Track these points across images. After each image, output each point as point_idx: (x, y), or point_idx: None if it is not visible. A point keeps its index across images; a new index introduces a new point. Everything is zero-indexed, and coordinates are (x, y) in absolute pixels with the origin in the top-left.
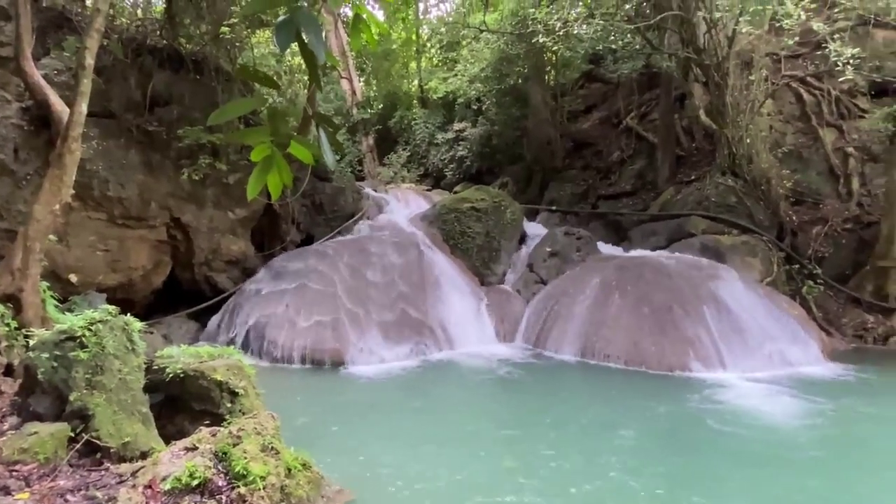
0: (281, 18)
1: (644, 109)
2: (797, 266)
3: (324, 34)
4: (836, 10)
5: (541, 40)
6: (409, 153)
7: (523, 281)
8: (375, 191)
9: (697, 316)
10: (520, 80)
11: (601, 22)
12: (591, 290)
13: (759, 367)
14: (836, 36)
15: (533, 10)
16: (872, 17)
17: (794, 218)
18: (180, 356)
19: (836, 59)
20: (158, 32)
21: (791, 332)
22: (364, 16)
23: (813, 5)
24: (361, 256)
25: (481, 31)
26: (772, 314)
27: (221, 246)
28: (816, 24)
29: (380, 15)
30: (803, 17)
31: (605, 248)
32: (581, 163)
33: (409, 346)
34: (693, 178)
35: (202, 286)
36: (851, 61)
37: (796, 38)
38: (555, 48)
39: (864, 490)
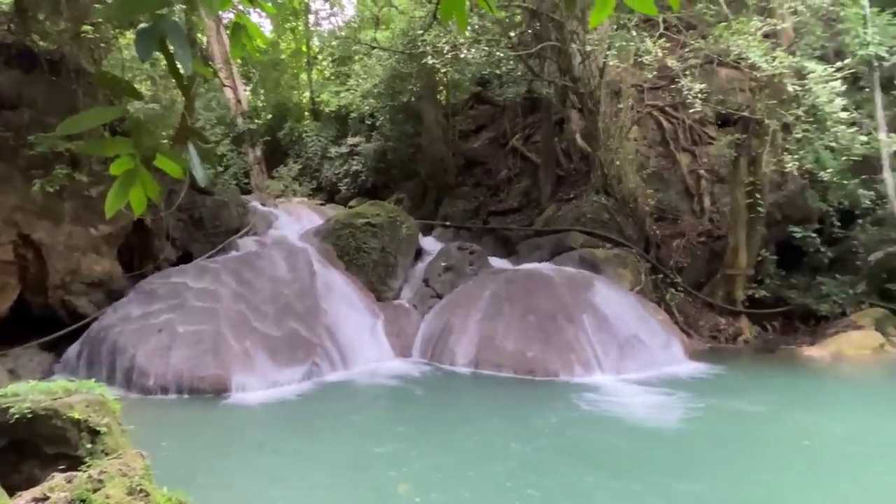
0: (142, 26)
1: (528, 132)
2: (661, 275)
3: (204, 40)
4: (687, 49)
5: (430, 61)
6: (300, 166)
7: (419, 296)
8: (264, 205)
9: (578, 323)
10: (413, 98)
11: (486, 48)
12: (483, 303)
13: (632, 368)
14: (687, 72)
15: (422, 32)
16: (716, 57)
17: (657, 232)
18: (29, 393)
19: (687, 92)
20: (7, 27)
21: (658, 335)
22: (245, 25)
23: (668, 44)
24: (247, 274)
25: (372, 49)
26: (641, 319)
27: (82, 266)
28: (671, 62)
29: (267, 23)
30: (660, 54)
31: (496, 262)
32: (473, 180)
33: (301, 369)
34: (572, 196)
35: (58, 312)
36: (700, 95)
37: (655, 73)
38: (444, 70)
39: (728, 476)
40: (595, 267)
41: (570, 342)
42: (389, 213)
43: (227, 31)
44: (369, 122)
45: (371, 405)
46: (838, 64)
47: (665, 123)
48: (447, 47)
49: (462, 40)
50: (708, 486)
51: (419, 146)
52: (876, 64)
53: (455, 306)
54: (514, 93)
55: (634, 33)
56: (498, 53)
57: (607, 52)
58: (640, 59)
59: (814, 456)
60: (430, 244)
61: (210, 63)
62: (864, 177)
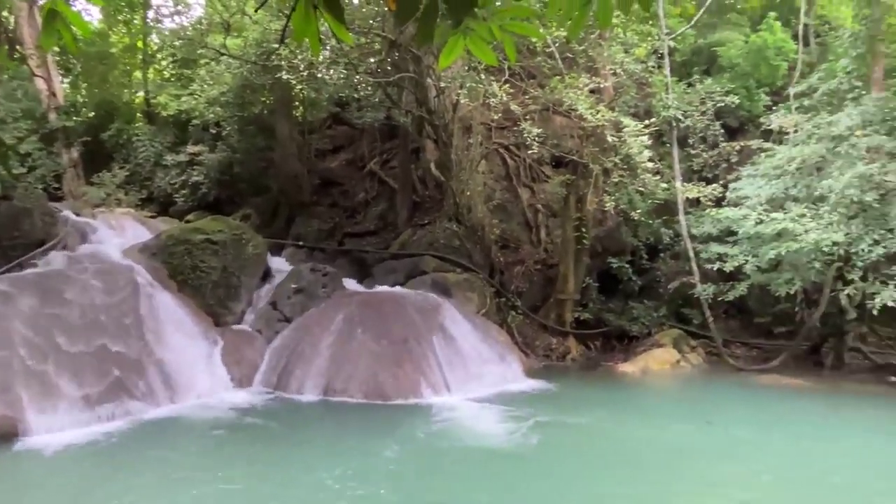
0: None
1: (386, 156)
2: (504, 299)
3: (11, 20)
4: (527, 96)
5: (285, 76)
6: (128, 173)
7: (265, 320)
8: (78, 214)
9: (428, 346)
10: (265, 111)
11: (345, 70)
12: (336, 327)
13: (477, 388)
14: (527, 117)
15: (277, 45)
16: (552, 105)
17: (501, 259)
18: None
19: (527, 135)
20: None
21: (500, 355)
22: (63, 12)
23: (512, 90)
24: (51, 295)
25: (221, 55)
26: (486, 341)
27: None
28: (514, 106)
29: (95, 12)
30: (505, 98)
31: (351, 285)
32: (329, 200)
33: (115, 405)
34: (427, 221)
35: None
36: (537, 138)
37: (501, 114)
38: (300, 87)
39: (562, 482)
40: (446, 290)
41: (421, 365)
42: (234, 230)
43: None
44: (214, 131)
45: (197, 444)
46: (647, 121)
47: (509, 160)
48: (303, 65)
49: (320, 59)
50: (547, 495)
51: (271, 161)
52: (675, 124)
53: (305, 331)
54: (373, 117)
55: (483, 76)
56: (356, 77)
57: (459, 91)
58: (487, 101)
59: (630, 457)
60: (280, 265)
61: (19, 48)
62: (665, 217)
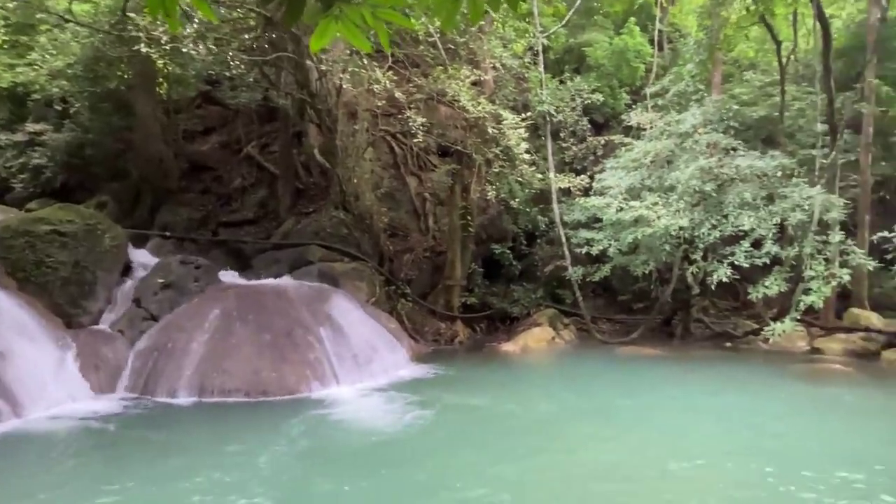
0: None
1: (265, 140)
2: (394, 287)
3: None
4: (411, 84)
5: (143, 49)
6: None
7: (128, 319)
8: None
9: (315, 338)
10: (122, 87)
11: (214, 46)
12: (211, 323)
13: (368, 377)
14: (412, 105)
15: (134, 14)
16: (436, 95)
17: (390, 247)
18: None
19: (412, 123)
20: None
21: (390, 343)
22: None
23: (395, 77)
24: None
25: (66, 21)
26: (375, 330)
27: None
28: (398, 94)
29: None
30: (388, 85)
31: (228, 277)
32: (200, 186)
33: None
34: (311, 209)
35: None
36: (422, 127)
37: (386, 101)
38: (161, 62)
39: (451, 461)
40: (334, 280)
41: (308, 358)
42: (87, 220)
43: None
44: (60, 108)
45: (44, 461)
46: (524, 115)
47: (396, 148)
48: (165, 37)
49: (185, 33)
50: (433, 473)
51: (130, 142)
52: (548, 118)
53: (175, 328)
54: (249, 98)
55: (366, 62)
56: (228, 54)
57: (342, 75)
58: (372, 87)
59: (510, 428)
60: (144, 258)
61: None
62: (541, 206)
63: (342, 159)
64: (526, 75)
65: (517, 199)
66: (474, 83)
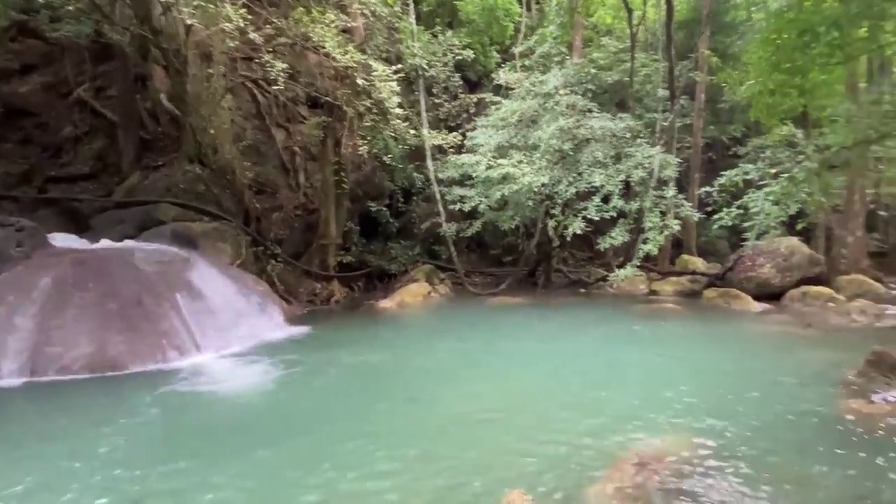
0: None
1: (101, 83)
2: (262, 248)
3: None
4: (269, 26)
5: None
6: None
7: None
8: None
9: (170, 305)
10: None
11: None
12: (42, 292)
13: (233, 343)
14: (275, 50)
15: None
16: (299, 40)
17: (257, 205)
18: None
19: (271, 69)
20: None
21: (258, 306)
22: None
23: (251, 17)
24: None
25: None
26: (241, 293)
27: None
28: (253, 35)
29: None
30: (242, 23)
31: (62, 241)
32: (19, 136)
33: None
34: (161, 163)
35: None
36: (283, 74)
37: (245, 44)
38: None
39: (326, 426)
40: (191, 242)
41: (162, 326)
42: None
43: None
44: None
45: None
46: (395, 67)
47: (260, 97)
48: None
49: None
50: (309, 441)
51: None
52: (421, 72)
53: None
54: (75, 31)
55: None
56: None
57: (191, 10)
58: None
59: (385, 382)
60: None
61: None
62: (417, 163)
63: (195, 107)
64: (397, 25)
65: (392, 156)
66: (343, 30)
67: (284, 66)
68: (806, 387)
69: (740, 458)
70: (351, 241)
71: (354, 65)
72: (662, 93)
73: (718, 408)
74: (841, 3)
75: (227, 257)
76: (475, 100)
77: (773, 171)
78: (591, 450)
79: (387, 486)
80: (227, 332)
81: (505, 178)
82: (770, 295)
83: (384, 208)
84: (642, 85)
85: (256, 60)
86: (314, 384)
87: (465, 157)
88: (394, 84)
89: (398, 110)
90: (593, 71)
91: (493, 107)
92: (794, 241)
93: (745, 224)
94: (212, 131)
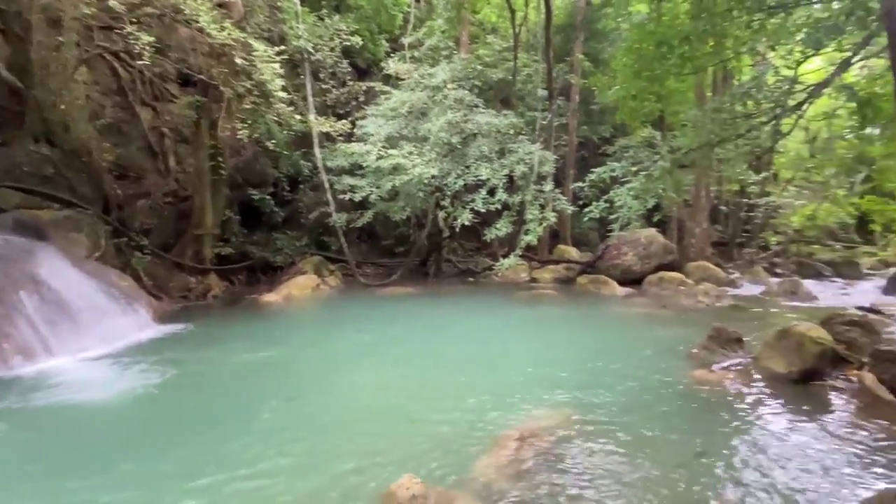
0: None
1: None
2: (126, 239)
3: None
4: None
5: None
6: None
7: None
8: None
9: (13, 304)
10: None
11: None
12: None
13: (93, 345)
14: (140, 20)
15: None
16: (169, 11)
17: (119, 192)
18: None
19: (135, 42)
20: None
21: (121, 304)
22: None
23: None
24: None
25: None
26: (101, 289)
27: None
28: (113, 2)
29: None
30: None
31: None
32: None
33: None
34: (0, 141)
35: None
36: (149, 47)
37: (94, 9)
38: None
39: (196, 434)
40: (39, 232)
41: (3, 328)
42: None
43: None
44: None
45: None
46: (278, 48)
47: (122, 72)
48: None
49: None
50: (186, 447)
51: None
52: (307, 56)
53: None
54: None
55: None
56: None
57: None
58: None
59: (269, 379)
60: None
61: None
62: (304, 150)
63: (41, 78)
64: (280, 5)
65: (276, 141)
66: (219, 4)
67: (151, 39)
68: (661, 360)
69: (606, 425)
70: (230, 231)
71: (232, 42)
72: (542, 93)
73: (589, 382)
74: (691, 20)
75: (83, 249)
76: (364, 88)
77: (634, 168)
78: (476, 429)
79: (274, 483)
80: (85, 332)
81: (396, 169)
82: (633, 280)
83: (268, 197)
84: (524, 84)
85: (117, 31)
86: (188, 386)
87: (355, 146)
88: (276, 66)
89: (282, 94)
90: (479, 67)
91: (384, 96)
92: (653, 231)
93: (612, 216)
94: (62, 107)
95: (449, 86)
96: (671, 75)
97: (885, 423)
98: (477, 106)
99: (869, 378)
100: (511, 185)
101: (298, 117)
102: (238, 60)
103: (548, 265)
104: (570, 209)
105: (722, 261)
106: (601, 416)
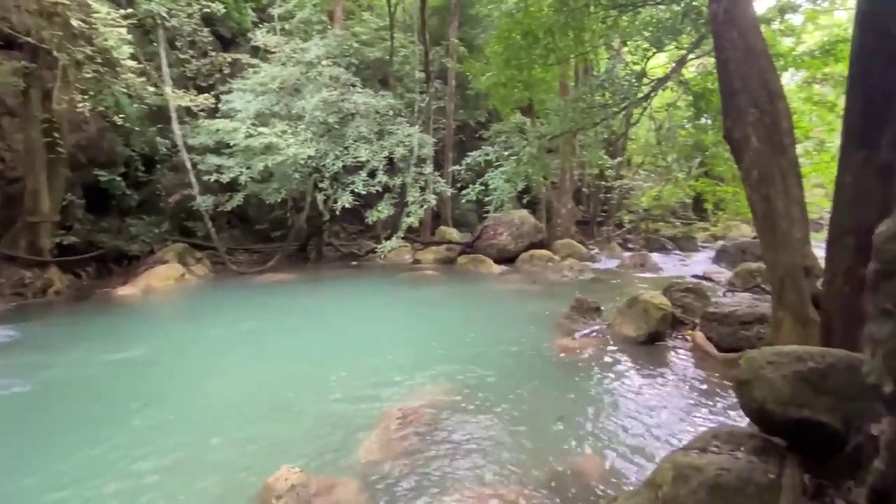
0: None
1: None
2: None
3: None
4: None
5: None
6: None
7: None
8: None
9: None
10: None
11: None
12: None
13: None
14: None
15: None
16: None
17: None
18: None
19: None
20: None
21: None
22: None
23: None
24: None
25: None
26: None
27: None
28: None
29: None
30: None
31: None
32: None
33: None
34: None
35: None
36: None
37: None
38: None
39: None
40: None
41: None
42: None
43: None
44: None
45: None
46: (125, 11)
47: None
48: None
49: None
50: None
51: None
52: (160, 21)
53: None
54: None
55: None
56: None
57: None
58: None
59: (119, 384)
60: None
61: None
62: (161, 126)
63: None
64: None
65: (125, 116)
66: None
67: None
68: (531, 331)
69: (482, 396)
70: (74, 217)
71: (67, 2)
72: (419, 75)
73: (466, 356)
74: (554, 13)
75: None
76: (230, 60)
77: (506, 153)
78: (360, 412)
79: (148, 486)
80: None
81: (268, 148)
82: (508, 258)
83: (118, 178)
84: (402, 65)
85: None
86: (26, 396)
87: (220, 123)
88: (123, 31)
89: (130, 62)
90: (356, 45)
91: (251, 70)
92: (524, 212)
93: (487, 198)
94: None
95: (323, 62)
96: (537, 65)
97: (713, 373)
98: (354, 85)
99: (700, 336)
100: (391, 167)
101: (152, 89)
102: (74, 22)
103: (430, 246)
104: (450, 191)
105: (584, 238)
106: (477, 387)
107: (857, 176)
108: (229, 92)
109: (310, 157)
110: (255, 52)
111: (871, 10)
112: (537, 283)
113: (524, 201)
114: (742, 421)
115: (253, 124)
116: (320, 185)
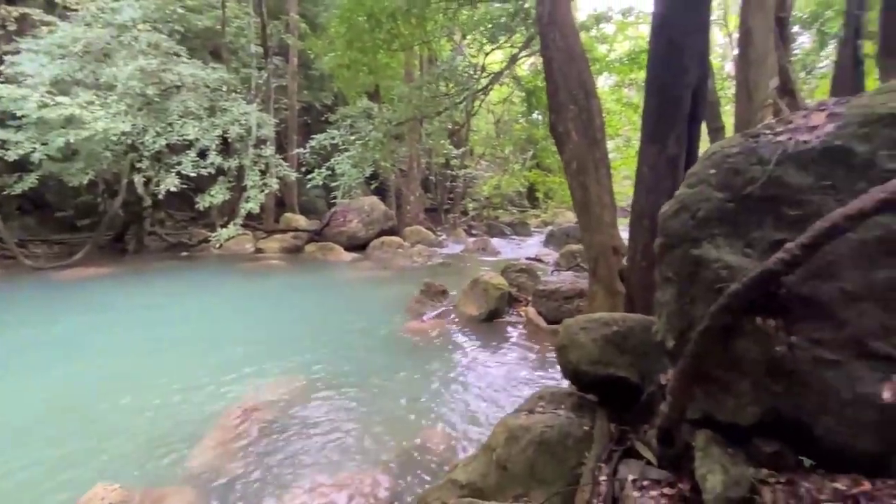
0: None
1: None
2: None
3: None
4: None
5: None
6: None
7: None
8: None
9: None
10: None
11: None
12: None
13: None
14: None
15: None
16: None
17: None
18: None
19: None
20: None
21: None
22: None
23: None
24: None
25: None
26: None
27: None
28: None
29: None
30: None
31: None
32: None
33: None
34: None
35: None
36: None
37: None
38: None
39: None
40: None
41: None
42: None
43: None
44: None
45: None
46: None
47: None
48: None
49: None
50: None
51: None
52: None
53: None
54: None
55: None
56: None
57: None
58: None
59: None
60: None
61: None
62: None
63: None
64: None
65: None
66: None
67: None
68: (382, 316)
69: (332, 385)
70: None
71: None
72: (256, 49)
73: (315, 346)
74: None
75: None
76: (16, 14)
77: (353, 137)
78: (196, 414)
79: None
80: None
81: (70, 121)
82: (358, 245)
83: None
84: (236, 37)
85: None
86: None
87: (4, 89)
88: None
89: None
90: (180, 11)
91: (46, 28)
92: (374, 199)
93: (334, 184)
94: None
95: (140, 26)
96: (381, 49)
97: (544, 343)
98: (178, 55)
99: (532, 312)
100: (226, 147)
101: None
102: None
103: (274, 234)
104: (295, 176)
105: (433, 225)
106: (326, 376)
107: (651, 167)
108: (16, 53)
109: (124, 133)
110: (52, 7)
111: (662, 24)
112: (388, 269)
113: (373, 187)
114: (565, 382)
115: (49, 92)
116: (138, 165)
